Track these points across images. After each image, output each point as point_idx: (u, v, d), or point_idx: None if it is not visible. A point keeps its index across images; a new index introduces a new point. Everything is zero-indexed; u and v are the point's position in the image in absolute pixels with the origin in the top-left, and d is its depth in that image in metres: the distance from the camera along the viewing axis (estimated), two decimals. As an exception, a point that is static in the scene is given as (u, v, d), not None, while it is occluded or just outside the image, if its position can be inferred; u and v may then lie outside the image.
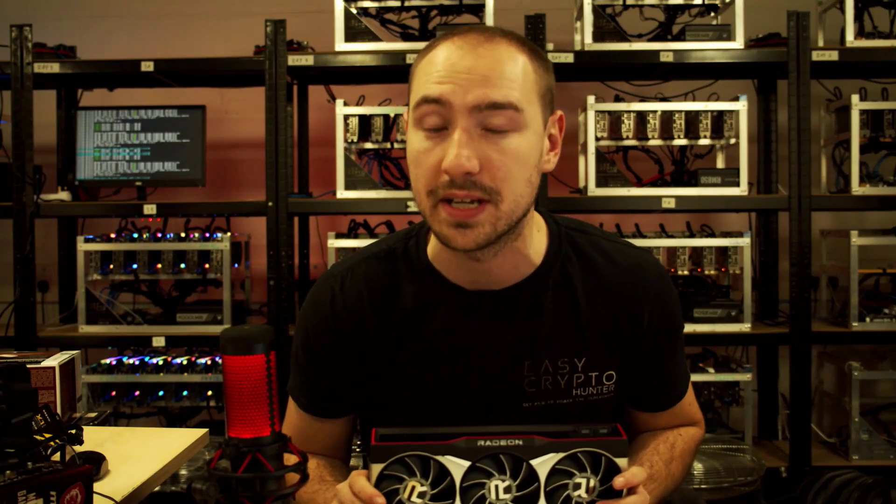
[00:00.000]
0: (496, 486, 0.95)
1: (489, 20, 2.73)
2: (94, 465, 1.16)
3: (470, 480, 0.95)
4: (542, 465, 0.95)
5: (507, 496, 0.95)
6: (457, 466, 0.95)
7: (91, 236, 2.84)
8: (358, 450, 0.98)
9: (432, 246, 1.14)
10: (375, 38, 2.79)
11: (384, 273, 1.15)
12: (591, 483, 0.94)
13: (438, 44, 1.03)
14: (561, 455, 0.94)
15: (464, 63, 0.99)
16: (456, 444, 0.95)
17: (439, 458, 0.94)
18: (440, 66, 1.00)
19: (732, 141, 2.76)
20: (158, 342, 2.81)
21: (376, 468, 0.95)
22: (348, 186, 2.76)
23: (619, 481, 0.93)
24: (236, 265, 2.98)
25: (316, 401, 1.19)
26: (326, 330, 1.16)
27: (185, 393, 2.82)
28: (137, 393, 2.81)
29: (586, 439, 0.96)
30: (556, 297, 1.12)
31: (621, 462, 0.94)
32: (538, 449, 0.95)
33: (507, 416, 1.12)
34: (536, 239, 1.13)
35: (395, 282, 1.15)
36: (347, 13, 2.78)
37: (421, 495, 0.94)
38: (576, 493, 0.94)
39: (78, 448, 1.11)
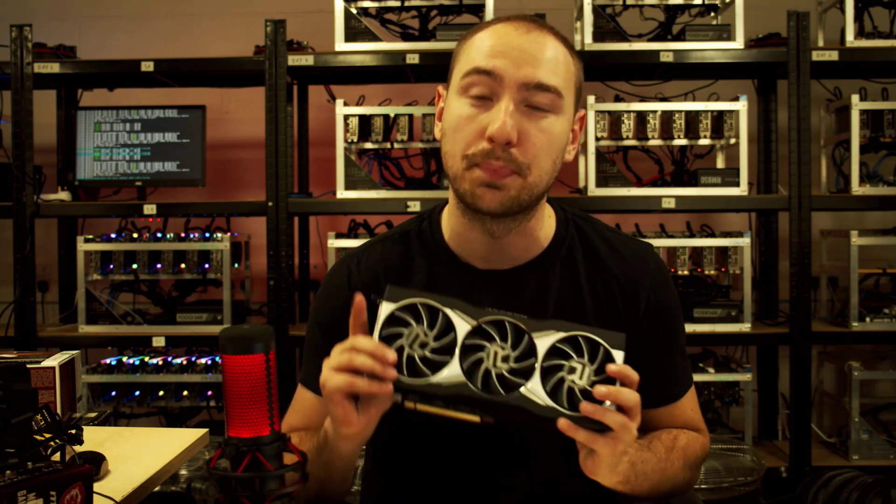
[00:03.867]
0: (495, 353, 0.96)
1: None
2: (94, 465, 1.15)
3: (472, 340, 0.97)
4: (543, 340, 0.96)
5: (504, 365, 0.96)
6: (462, 323, 0.97)
7: (91, 236, 2.84)
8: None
9: (447, 225, 1.19)
10: (375, 38, 2.79)
11: (399, 253, 1.21)
12: (587, 371, 0.95)
13: (490, 24, 1.10)
14: (562, 334, 0.96)
15: (517, 42, 1.06)
16: (466, 304, 0.98)
17: (447, 309, 0.97)
18: (494, 41, 1.07)
19: (732, 141, 2.76)
20: (158, 342, 2.81)
21: (388, 307, 0.97)
22: (348, 186, 2.76)
23: (612, 368, 0.94)
24: (236, 265, 2.98)
25: None
26: (345, 309, 1.17)
27: (185, 393, 2.82)
28: (137, 393, 2.81)
29: (588, 327, 0.98)
30: (561, 278, 1.17)
31: (617, 354, 0.96)
32: (542, 325, 0.97)
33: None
34: (547, 223, 1.19)
35: (409, 261, 1.20)
36: (347, 13, 2.78)
37: (422, 345, 0.96)
38: (570, 377, 0.95)
39: (78, 448, 1.11)
